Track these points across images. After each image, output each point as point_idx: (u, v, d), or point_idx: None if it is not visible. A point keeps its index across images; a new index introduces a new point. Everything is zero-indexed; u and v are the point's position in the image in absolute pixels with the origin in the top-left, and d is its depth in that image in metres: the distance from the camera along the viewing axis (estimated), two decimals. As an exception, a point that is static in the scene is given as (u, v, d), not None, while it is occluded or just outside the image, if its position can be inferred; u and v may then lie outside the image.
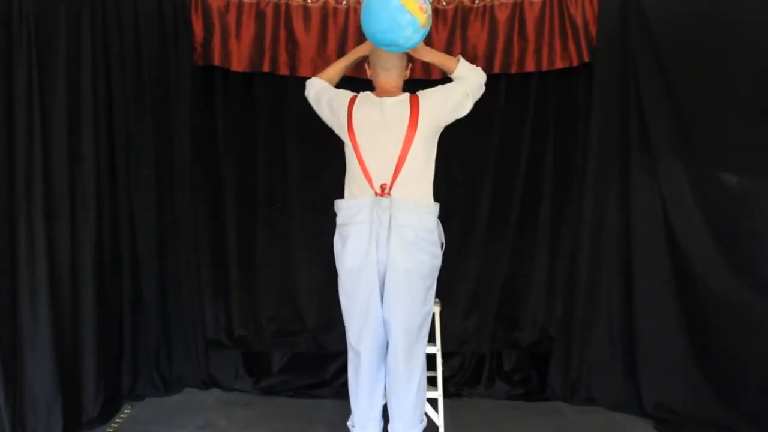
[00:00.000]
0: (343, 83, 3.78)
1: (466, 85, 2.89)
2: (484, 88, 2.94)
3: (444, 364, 3.40)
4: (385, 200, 2.74)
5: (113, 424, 3.41)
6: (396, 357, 2.83)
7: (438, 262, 2.88)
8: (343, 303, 2.91)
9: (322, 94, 3.01)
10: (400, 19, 2.53)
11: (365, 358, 2.86)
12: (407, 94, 2.90)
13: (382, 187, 2.76)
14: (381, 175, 2.78)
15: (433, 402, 3.19)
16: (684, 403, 3.40)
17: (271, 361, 4.02)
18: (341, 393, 3.40)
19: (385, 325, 2.83)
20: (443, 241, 2.92)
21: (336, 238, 2.90)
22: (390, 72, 2.91)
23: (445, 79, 3.72)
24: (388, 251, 2.73)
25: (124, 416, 3.52)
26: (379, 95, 2.92)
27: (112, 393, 3.54)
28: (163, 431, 3.36)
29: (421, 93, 2.90)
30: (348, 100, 2.92)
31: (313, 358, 3.98)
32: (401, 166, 2.78)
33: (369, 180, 2.79)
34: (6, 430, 2.90)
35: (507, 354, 4.00)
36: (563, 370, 3.78)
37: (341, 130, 2.92)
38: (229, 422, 3.47)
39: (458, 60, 2.93)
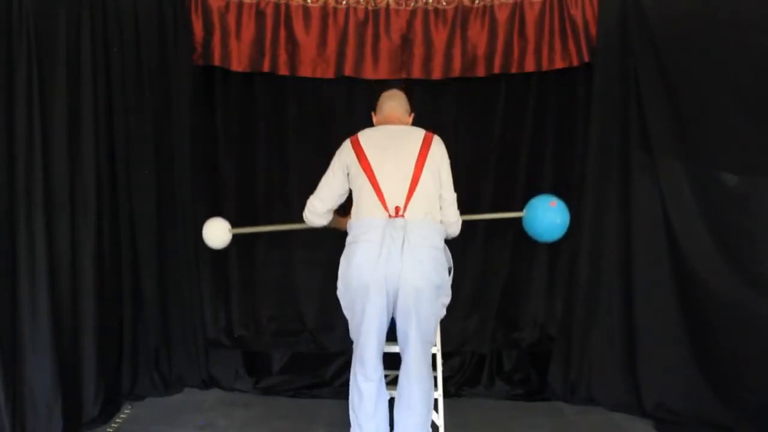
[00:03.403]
0: (342, 81, 3.80)
1: (455, 205, 2.96)
2: (455, 231, 2.99)
3: (444, 364, 3.40)
4: (399, 221, 2.74)
5: (113, 424, 3.41)
6: (408, 372, 2.82)
7: (447, 288, 2.86)
8: (351, 320, 2.87)
9: (323, 182, 2.98)
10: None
11: (370, 372, 2.83)
12: (422, 129, 2.95)
13: (396, 210, 2.76)
14: (394, 197, 2.78)
15: (433, 402, 3.19)
16: (684, 403, 3.40)
17: (271, 361, 4.02)
18: (341, 393, 3.40)
19: (399, 339, 2.84)
20: (451, 265, 2.94)
21: (342, 258, 2.87)
22: (396, 105, 3.04)
23: (446, 79, 3.75)
24: (401, 270, 2.71)
25: (124, 416, 3.52)
26: (383, 123, 3.01)
27: (112, 393, 3.54)
28: (163, 431, 3.36)
29: (437, 137, 2.93)
30: (349, 141, 2.94)
31: (313, 358, 3.98)
32: (415, 187, 2.78)
33: (383, 203, 2.77)
34: (6, 430, 2.90)
35: (507, 354, 4.00)
36: (563, 370, 3.78)
37: (354, 166, 2.88)
38: (229, 422, 3.47)
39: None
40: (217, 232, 3.43)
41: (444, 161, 2.90)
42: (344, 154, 2.92)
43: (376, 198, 2.78)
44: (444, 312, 2.91)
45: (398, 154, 2.85)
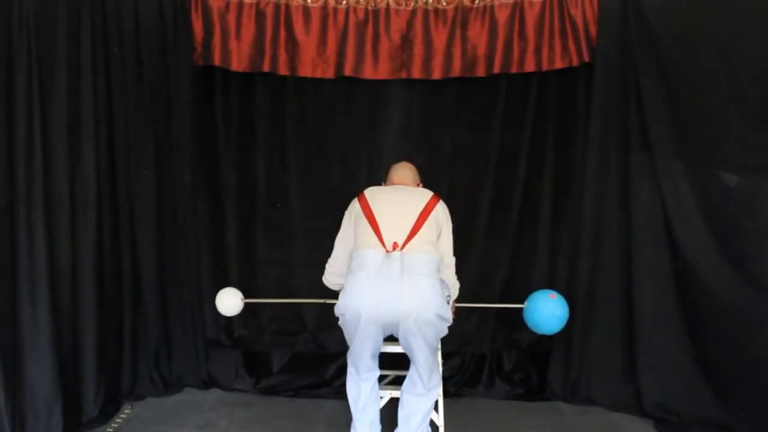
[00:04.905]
0: (342, 81, 3.80)
1: (453, 269, 3.02)
2: (452, 295, 3.03)
3: (444, 364, 3.39)
4: (396, 254, 2.77)
5: (113, 424, 3.41)
6: (417, 371, 2.89)
7: (448, 314, 2.88)
8: (347, 334, 2.92)
9: (336, 242, 3.04)
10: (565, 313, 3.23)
11: (364, 373, 2.92)
12: (429, 191, 3.00)
13: (394, 245, 2.78)
14: (393, 235, 2.80)
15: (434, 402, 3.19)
16: (684, 403, 3.41)
17: (271, 361, 4.02)
18: (341, 393, 3.40)
19: (404, 349, 2.91)
20: (449, 293, 2.97)
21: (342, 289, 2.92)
22: (403, 174, 3.12)
23: (446, 79, 3.75)
24: (401, 300, 2.73)
25: (124, 416, 3.52)
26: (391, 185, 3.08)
27: (112, 393, 3.54)
28: (163, 431, 3.36)
29: (442, 201, 2.98)
30: (356, 198, 2.99)
31: (313, 358, 3.98)
32: (416, 232, 2.81)
33: (380, 238, 2.80)
34: (6, 430, 2.90)
35: (507, 354, 4.00)
36: (563, 370, 3.78)
37: (358, 216, 2.92)
38: (229, 422, 3.47)
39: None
40: (230, 301, 3.48)
41: (447, 224, 2.95)
42: (351, 209, 2.99)
43: (373, 234, 2.82)
44: (446, 331, 2.94)
45: (402, 204, 2.90)
